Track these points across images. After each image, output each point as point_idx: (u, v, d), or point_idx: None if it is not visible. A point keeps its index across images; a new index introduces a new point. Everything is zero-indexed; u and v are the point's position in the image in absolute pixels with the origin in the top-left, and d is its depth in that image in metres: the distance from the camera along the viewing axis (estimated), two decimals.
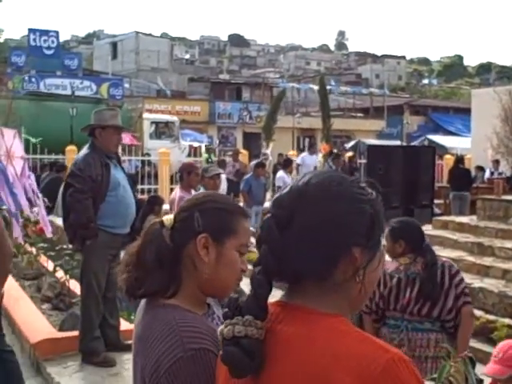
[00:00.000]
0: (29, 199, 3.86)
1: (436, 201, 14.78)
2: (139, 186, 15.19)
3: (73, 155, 12.21)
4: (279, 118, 29.06)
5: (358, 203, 1.16)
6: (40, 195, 3.60)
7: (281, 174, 12.64)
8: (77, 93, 23.98)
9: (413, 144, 27.19)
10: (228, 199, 1.73)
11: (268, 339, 1.14)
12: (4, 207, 4.08)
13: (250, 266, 1.49)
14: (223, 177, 10.43)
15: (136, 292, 1.59)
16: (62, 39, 35.88)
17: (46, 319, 5.95)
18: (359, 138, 30.11)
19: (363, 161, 17.37)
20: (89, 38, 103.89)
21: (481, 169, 17.68)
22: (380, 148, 16.14)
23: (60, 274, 6.89)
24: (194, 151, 19.45)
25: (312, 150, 17.00)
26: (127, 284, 1.60)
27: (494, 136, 18.25)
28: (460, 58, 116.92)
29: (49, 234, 3.86)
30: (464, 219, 10.28)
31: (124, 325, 5.35)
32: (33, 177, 3.62)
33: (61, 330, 5.63)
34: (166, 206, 7.86)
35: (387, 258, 3.96)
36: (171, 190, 13.14)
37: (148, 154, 19.20)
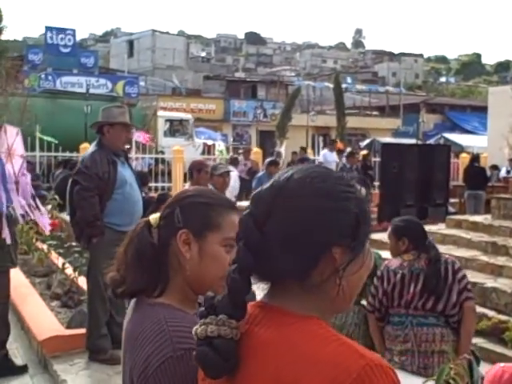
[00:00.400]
0: (33, 197, 3.85)
1: (451, 200, 14.66)
2: (152, 184, 15.22)
3: None
4: (294, 117, 28.97)
5: (342, 201, 1.10)
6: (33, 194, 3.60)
7: None
8: (92, 91, 24.12)
9: (428, 142, 26.96)
10: (213, 193, 1.68)
11: (245, 341, 1.10)
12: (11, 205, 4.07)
13: None
14: (234, 175, 10.39)
15: (117, 290, 1.57)
16: (79, 37, 36.24)
17: (54, 316, 5.97)
18: (374, 136, 29.92)
19: (378, 159, 17.25)
20: (106, 37, 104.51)
21: (495, 168, 17.50)
22: (394, 146, 16.00)
23: (69, 271, 6.91)
24: (207, 149, 19.42)
25: (332, 146, 16.87)
26: (111, 282, 1.58)
27: (511, 134, 18.03)
28: (478, 56, 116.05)
29: (47, 232, 3.86)
30: (478, 218, 10.16)
31: None
32: (29, 176, 3.61)
33: (68, 327, 5.64)
34: None
35: (390, 255, 3.97)
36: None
37: (162, 152, 19.22)
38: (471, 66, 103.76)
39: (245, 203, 1.50)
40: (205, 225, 1.53)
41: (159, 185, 16.19)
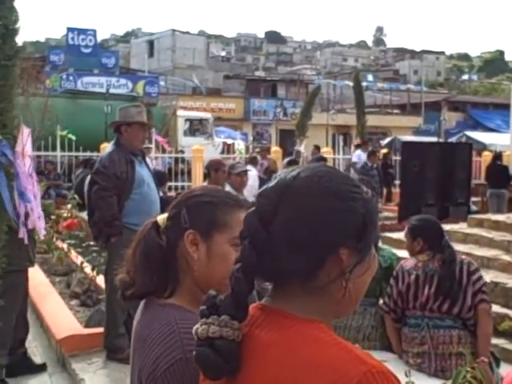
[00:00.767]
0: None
1: (473, 198, 14.48)
2: (172, 183, 15.29)
3: None
4: (314, 115, 28.86)
5: (349, 201, 1.08)
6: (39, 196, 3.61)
7: None
8: (113, 91, 24.29)
9: (450, 141, 26.68)
10: (219, 192, 1.65)
11: (245, 344, 1.07)
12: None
13: None
14: (253, 174, 10.37)
15: (125, 292, 1.55)
16: (101, 38, 36.59)
17: (72, 315, 6.00)
18: (395, 134, 29.72)
19: (398, 158, 17.12)
20: (127, 37, 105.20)
21: None
22: (415, 144, 15.81)
23: (88, 270, 6.94)
24: (227, 148, 19.44)
25: (365, 146, 16.77)
26: (120, 284, 1.57)
27: None
28: (501, 53, 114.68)
29: (41, 236, 3.87)
30: (500, 217, 10.00)
31: None
32: (35, 177, 3.64)
33: (87, 326, 5.66)
34: None
35: (407, 255, 3.91)
36: None
37: (182, 151, 19.28)
38: (494, 64, 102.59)
39: None
40: (211, 224, 1.51)
41: (179, 184, 16.25)
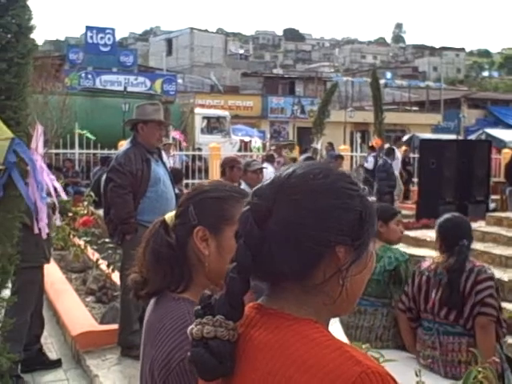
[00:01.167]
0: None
1: (492, 196, 14.32)
2: (190, 181, 15.33)
3: None
4: (332, 113, 28.77)
5: (345, 198, 1.06)
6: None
7: None
8: (131, 89, 24.42)
9: (469, 138, 26.43)
10: (225, 186, 1.65)
11: (241, 344, 1.06)
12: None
13: None
14: (271, 171, 10.34)
15: (139, 292, 1.56)
16: (120, 37, 36.75)
17: (88, 312, 6.03)
18: (414, 132, 29.50)
19: (417, 155, 17.00)
20: (146, 35, 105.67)
21: None
22: (433, 142, 15.65)
23: (104, 267, 6.98)
24: (244, 146, 19.46)
25: (399, 143, 16.69)
26: (133, 284, 1.58)
27: None
28: None
29: (44, 236, 3.88)
30: None
31: None
32: (46, 175, 3.66)
33: (101, 323, 5.69)
34: None
35: (425, 253, 3.83)
36: None
37: (199, 149, 19.34)
38: None
39: None
40: (219, 219, 1.52)
41: (196, 181, 16.28)
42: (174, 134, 16.80)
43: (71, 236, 8.31)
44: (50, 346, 5.70)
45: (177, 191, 6.00)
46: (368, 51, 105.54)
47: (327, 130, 26.12)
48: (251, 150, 18.74)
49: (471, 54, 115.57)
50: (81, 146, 16.74)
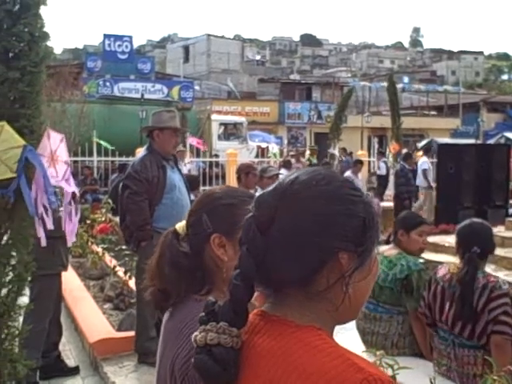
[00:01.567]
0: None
1: None
2: (207, 187, 15.36)
3: None
4: (350, 118, 28.66)
5: (348, 204, 1.06)
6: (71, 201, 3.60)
7: (348, 174, 12.41)
8: (148, 96, 24.57)
9: (489, 142, 26.19)
10: (235, 191, 1.67)
11: (244, 351, 1.06)
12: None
13: None
14: None
15: (164, 304, 1.58)
16: (137, 44, 36.99)
17: (105, 319, 6.06)
18: (433, 136, 29.31)
19: (435, 160, 16.85)
20: (163, 42, 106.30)
21: None
22: (451, 146, 15.52)
23: (121, 274, 7.01)
24: (261, 152, 19.46)
25: (429, 154, 16.54)
26: (154, 297, 1.59)
27: None
28: None
29: (69, 244, 3.88)
30: None
31: None
32: (72, 182, 3.64)
33: (119, 330, 5.71)
34: None
35: (443, 259, 3.77)
36: None
37: (216, 155, 19.37)
38: None
39: None
40: (234, 224, 1.52)
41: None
42: (191, 140, 16.83)
43: (89, 243, 8.36)
44: (68, 352, 5.73)
45: (192, 198, 6.01)
46: (385, 56, 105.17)
47: (344, 135, 25.97)
48: (268, 156, 18.74)
49: (490, 57, 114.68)
50: (99, 154, 16.86)
